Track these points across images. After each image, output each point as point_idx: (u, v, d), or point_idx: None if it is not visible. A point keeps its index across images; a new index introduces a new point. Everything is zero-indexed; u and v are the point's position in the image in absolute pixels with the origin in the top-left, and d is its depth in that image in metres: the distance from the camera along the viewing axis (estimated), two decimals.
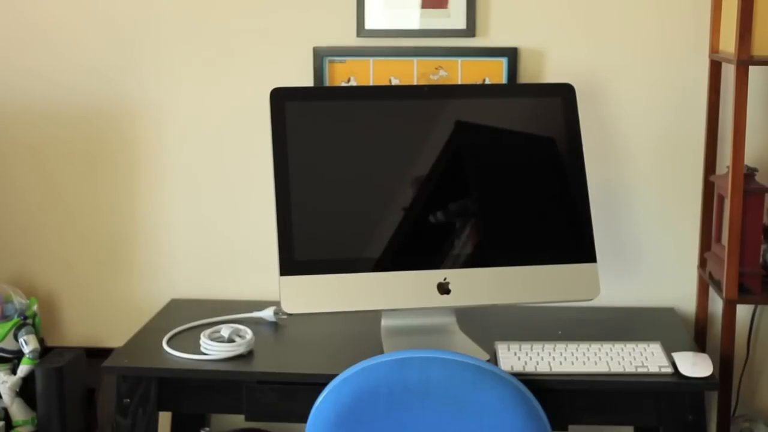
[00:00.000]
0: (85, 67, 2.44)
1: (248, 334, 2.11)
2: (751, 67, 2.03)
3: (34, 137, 2.48)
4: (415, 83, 2.35)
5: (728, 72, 2.27)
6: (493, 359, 2.01)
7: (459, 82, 2.35)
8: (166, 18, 2.41)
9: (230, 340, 2.09)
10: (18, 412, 2.31)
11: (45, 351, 2.34)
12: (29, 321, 2.34)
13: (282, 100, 2.04)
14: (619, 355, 2.00)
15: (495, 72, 2.34)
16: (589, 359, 1.99)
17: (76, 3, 2.42)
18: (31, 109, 2.46)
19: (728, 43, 2.13)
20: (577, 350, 2.02)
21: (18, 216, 2.52)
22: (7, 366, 2.32)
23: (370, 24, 2.34)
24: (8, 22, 2.44)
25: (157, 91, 2.43)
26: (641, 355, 2.00)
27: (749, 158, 2.25)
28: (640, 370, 1.95)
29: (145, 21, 2.41)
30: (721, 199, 2.26)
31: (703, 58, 2.31)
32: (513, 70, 2.32)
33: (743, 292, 2.11)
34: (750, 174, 2.14)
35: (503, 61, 2.33)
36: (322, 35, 2.37)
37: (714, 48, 2.26)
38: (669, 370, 1.95)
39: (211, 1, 2.39)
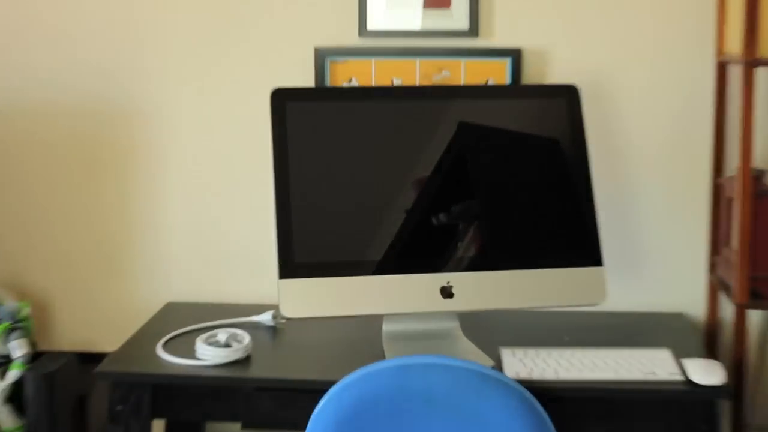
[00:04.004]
0: (82, 68, 2.44)
1: (246, 338, 2.10)
2: (757, 68, 2.02)
3: (29, 138, 2.48)
4: (417, 84, 2.36)
5: (735, 73, 2.26)
6: (498, 365, 1.99)
7: (462, 83, 2.35)
8: (166, 18, 2.41)
9: (227, 345, 2.07)
10: (6, 419, 2.29)
11: (36, 356, 2.33)
12: (20, 325, 2.32)
13: (283, 100, 2.05)
14: (627, 361, 1.97)
15: (498, 73, 2.33)
16: (596, 366, 1.96)
17: (76, 3, 2.42)
18: (27, 109, 2.46)
19: (734, 45, 2.13)
20: (584, 356, 2.00)
21: (10, 218, 2.51)
22: None
23: (371, 24, 2.35)
24: (8, 22, 2.44)
25: (155, 91, 2.44)
26: (650, 361, 1.97)
27: (757, 160, 2.25)
28: (649, 377, 1.92)
29: (145, 21, 2.42)
30: (730, 201, 2.25)
31: (709, 60, 2.31)
32: (517, 70, 2.32)
33: (754, 296, 2.09)
34: (758, 176, 2.13)
35: (507, 62, 2.33)
36: (324, 35, 2.37)
37: (720, 49, 2.27)
38: (679, 377, 1.92)
39: (212, 1, 2.39)
